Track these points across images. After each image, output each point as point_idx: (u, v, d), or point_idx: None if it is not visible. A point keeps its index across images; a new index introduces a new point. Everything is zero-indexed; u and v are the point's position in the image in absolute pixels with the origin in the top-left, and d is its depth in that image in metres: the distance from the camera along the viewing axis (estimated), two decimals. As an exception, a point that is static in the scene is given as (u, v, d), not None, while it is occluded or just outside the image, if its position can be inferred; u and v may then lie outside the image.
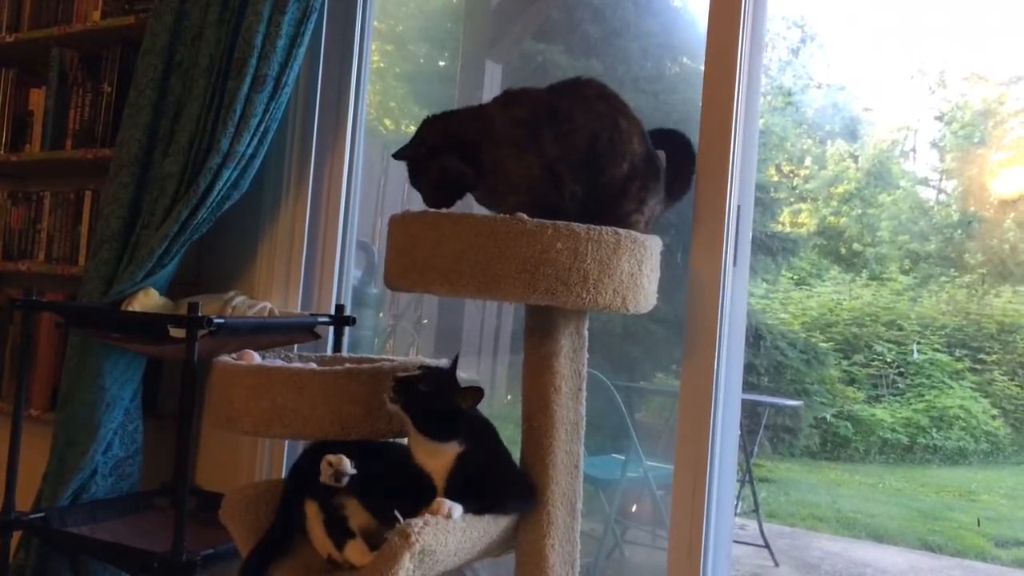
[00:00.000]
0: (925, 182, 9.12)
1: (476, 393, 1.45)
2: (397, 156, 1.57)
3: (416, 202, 1.58)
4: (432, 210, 1.51)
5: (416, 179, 1.56)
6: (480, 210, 1.54)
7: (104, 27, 2.47)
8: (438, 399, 1.43)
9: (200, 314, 1.76)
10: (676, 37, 5.26)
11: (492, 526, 1.42)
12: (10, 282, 2.69)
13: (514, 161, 1.48)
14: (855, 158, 9.14)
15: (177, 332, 1.84)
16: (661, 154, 1.61)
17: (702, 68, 1.85)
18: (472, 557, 1.44)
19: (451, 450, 1.42)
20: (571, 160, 1.47)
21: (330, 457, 1.39)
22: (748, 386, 5.93)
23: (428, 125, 1.56)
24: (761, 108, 1.97)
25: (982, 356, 7.42)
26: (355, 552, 1.40)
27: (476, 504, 1.39)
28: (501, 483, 1.47)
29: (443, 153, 1.52)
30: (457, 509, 1.35)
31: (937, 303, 7.95)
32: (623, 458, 3.42)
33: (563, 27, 4.82)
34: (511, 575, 1.51)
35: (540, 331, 1.51)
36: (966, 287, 7.95)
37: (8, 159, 2.68)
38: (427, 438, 1.41)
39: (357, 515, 1.44)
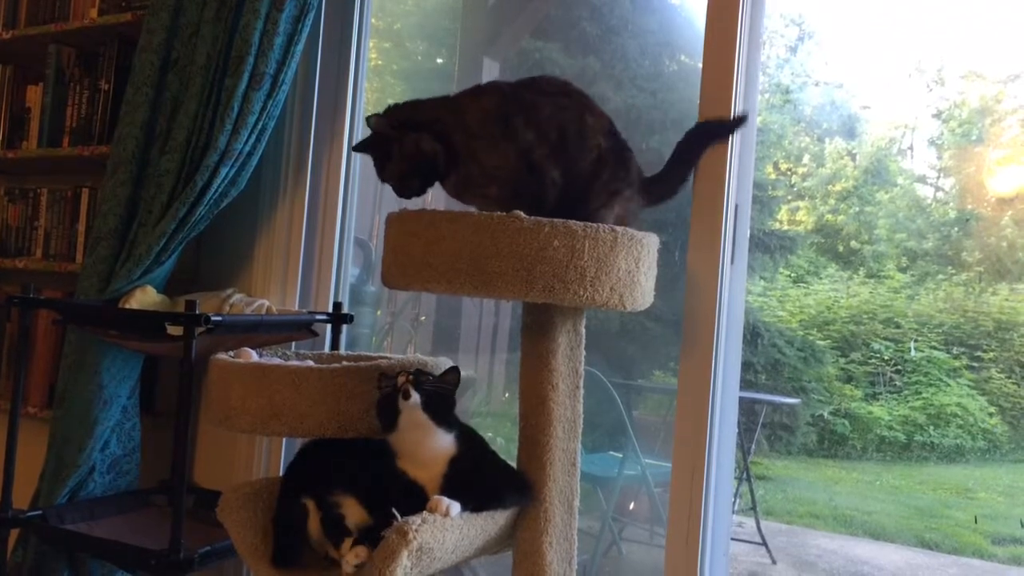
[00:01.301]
0: (923, 180, 9.14)
1: (455, 371, 1.47)
2: (358, 147, 1.53)
3: (414, 200, 1.57)
4: (430, 208, 1.51)
5: (384, 165, 1.51)
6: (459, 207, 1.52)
7: (101, 24, 2.46)
8: (441, 387, 1.45)
9: (198, 312, 1.76)
10: (674, 35, 5.25)
11: (490, 524, 1.42)
12: (7, 279, 2.68)
13: (488, 152, 1.46)
14: (853, 156, 9.16)
15: (175, 330, 1.84)
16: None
17: (700, 66, 1.85)
18: (470, 555, 1.44)
19: (445, 453, 1.42)
20: (545, 147, 1.47)
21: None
22: (746, 384, 5.95)
23: (396, 108, 1.52)
24: (759, 106, 1.97)
25: (979, 354, 7.43)
26: (347, 551, 1.40)
27: (474, 501, 1.39)
28: (496, 479, 1.47)
29: (414, 132, 1.48)
30: (455, 507, 1.35)
31: (934, 301, 7.96)
32: (621, 456, 3.42)
33: (561, 25, 4.82)
34: (509, 573, 1.51)
35: (537, 329, 1.51)
36: (963, 285, 7.97)
37: (5, 156, 2.67)
38: (442, 428, 1.41)
39: (354, 513, 1.44)
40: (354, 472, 1.48)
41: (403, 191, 1.52)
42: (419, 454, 1.42)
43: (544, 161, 1.46)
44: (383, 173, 1.53)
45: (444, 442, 1.42)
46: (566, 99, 1.51)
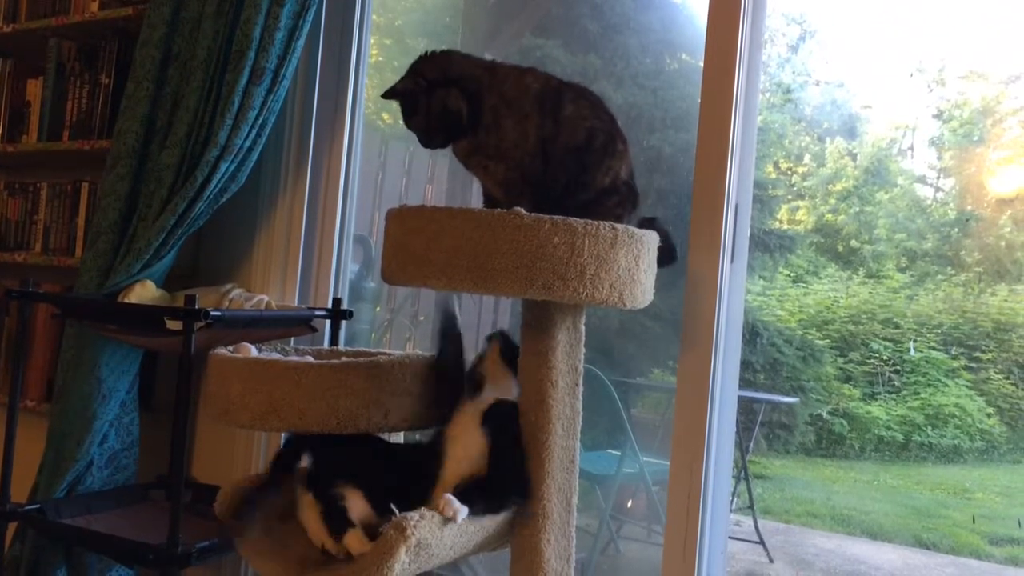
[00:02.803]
0: (923, 180, 9.13)
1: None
2: (386, 94, 1.51)
3: (414, 196, 1.58)
4: (430, 205, 1.51)
5: (411, 116, 1.51)
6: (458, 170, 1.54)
7: (102, 18, 2.46)
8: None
9: (197, 306, 1.76)
10: (675, 33, 5.25)
11: (488, 521, 1.42)
12: (6, 273, 2.68)
13: (513, 126, 1.46)
14: (853, 156, 9.15)
15: (174, 324, 1.84)
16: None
17: (701, 64, 1.85)
18: (468, 551, 1.44)
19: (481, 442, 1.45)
20: (566, 146, 1.47)
21: None
22: (744, 383, 5.95)
23: (428, 61, 1.51)
24: (760, 105, 1.96)
25: (978, 354, 7.43)
26: (354, 541, 1.39)
27: (481, 506, 1.40)
28: (505, 483, 1.47)
29: (444, 88, 1.47)
30: (463, 512, 1.35)
31: (933, 301, 7.96)
32: (619, 454, 3.42)
33: (562, 22, 4.81)
34: (507, 569, 1.52)
35: (537, 326, 1.51)
36: (963, 285, 7.97)
37: (5, 150, 2.67)
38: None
39: (357, 506, 1.44)
40: (360, 467, 1.48)
41: (427, 143, 1.53)
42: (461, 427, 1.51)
43: (561, 157, 1.46)
44: (409, 123, 1.53)
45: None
46: (605, 115, 1.52)
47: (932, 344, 7.57)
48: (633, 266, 1.42)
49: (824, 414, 7.16)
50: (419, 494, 1.40)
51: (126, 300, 2.09)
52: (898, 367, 7.56)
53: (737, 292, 1.86)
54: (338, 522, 1.42)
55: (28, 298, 2.10)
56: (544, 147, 1.46)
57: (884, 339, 7.65)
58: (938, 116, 8.86)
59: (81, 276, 2.21)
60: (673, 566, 1.81)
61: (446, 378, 1.60)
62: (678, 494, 1.81)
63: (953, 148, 8.61)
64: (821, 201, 9.08)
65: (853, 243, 8.73)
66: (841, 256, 8.81)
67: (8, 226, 2.70)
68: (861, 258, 8.63)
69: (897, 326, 7.72)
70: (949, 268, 8.15)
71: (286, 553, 1.49)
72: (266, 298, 2.21)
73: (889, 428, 7.15)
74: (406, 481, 1.45)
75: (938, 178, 9.08)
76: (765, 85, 8.77)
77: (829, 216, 8.98)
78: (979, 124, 8.38)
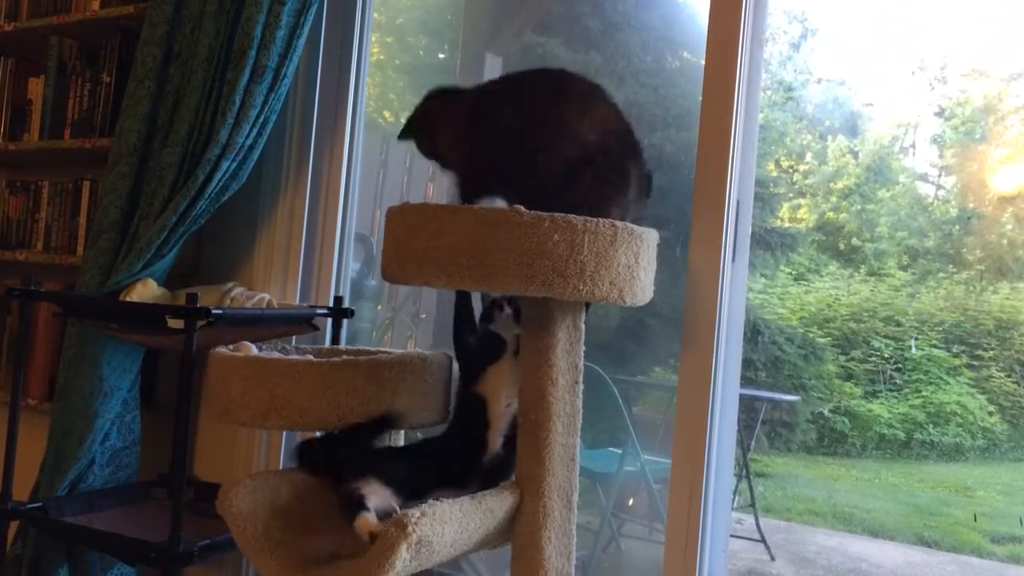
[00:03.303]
0: (924, 178, 9.13)
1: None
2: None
3: (416, 194, 1.58)
4: (431, 203, 1.51)
5: None
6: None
7: (103, 16, 2.46)
8: None
9: (199, 305, 1.76)
10: (677, 31, 5.25)
11: (488, 518, 1.42)
12: (8, 272, 2.68)
13: (449, 147, 1.56)
14: (855, 154, 9.15)
15: (175, 323, 1.84)
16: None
17: (703, 62, 1.85)
18: (469, 548, 1.44)
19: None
20: (504, 155, 1.49)
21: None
22: (746, 381, 5.95)
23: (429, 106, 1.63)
24: (761, 103, 1.96)
25: (979, 352, 7.43)
26: (363, 524, 1.37)
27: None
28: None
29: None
30: None
31: (935, 299, 7.96)
32: (620, 452, 3.42)
33: (563, 20, 4.81)
34: (508, 567, 1.52)
35: (537, 324, 1.51)
36: (964, 283, 7.96)
37: (6, 148, 2.67)
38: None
39: (375, 494, 1.43)
40: (378, 462, 1.49)
41: None
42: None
43: (500, 164, 1.48)
44: None
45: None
46: (546, 96, 1.48)
47: (934, 342, 7.57)
48: (633, 263, 1.42)
49: (826, 412, 7.16)
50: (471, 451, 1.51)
51: (128, 299, 2.09)
52: (900, 365, 7.56)
53: (738, 290, 1.86)
54: (355, 509, 1.40)
55: (30, 296, 2.10)
56: (479, 157, 1.52)
57: (886, 337, 7.65)
58: (940, 114, 8.86)
59: (83, 275, 2.21)
60: (674, 564, 1.81)
61: (467, 360, 1.65)
62: (679, 492, 1.81)
63: (955, 146, 8.61)
64: (823, 199, 9.08)
65: (855, 241, 8.73)
66: (842, 254, 8.81)
67: (10, 224, 2.70)
68: (863, 256, 8.63)
69: (899, 324, 7.72)
70: (951, 266, 8.15)
71: (287, 552, 1.49)
72: (267, 296, 2.21)
73: (891, 426, 7.15)
74: (429, 471, 1.50)
75: (940, 176, 9.08)
76: (766, 83, 8.76)
77: (831, 214, 8.98)
78: (981, 122, 8.38)
